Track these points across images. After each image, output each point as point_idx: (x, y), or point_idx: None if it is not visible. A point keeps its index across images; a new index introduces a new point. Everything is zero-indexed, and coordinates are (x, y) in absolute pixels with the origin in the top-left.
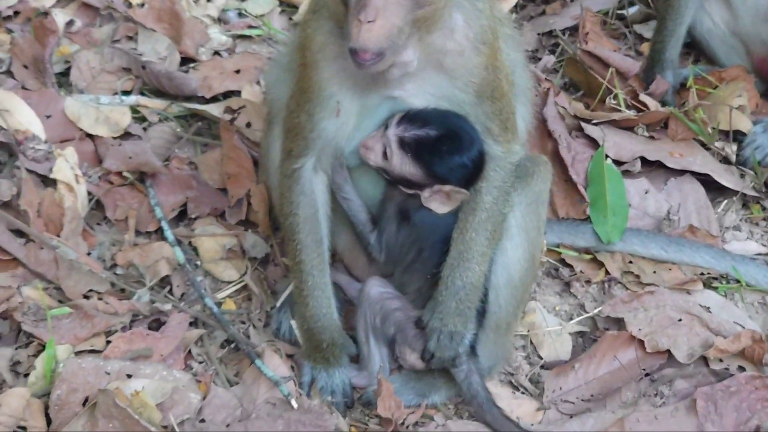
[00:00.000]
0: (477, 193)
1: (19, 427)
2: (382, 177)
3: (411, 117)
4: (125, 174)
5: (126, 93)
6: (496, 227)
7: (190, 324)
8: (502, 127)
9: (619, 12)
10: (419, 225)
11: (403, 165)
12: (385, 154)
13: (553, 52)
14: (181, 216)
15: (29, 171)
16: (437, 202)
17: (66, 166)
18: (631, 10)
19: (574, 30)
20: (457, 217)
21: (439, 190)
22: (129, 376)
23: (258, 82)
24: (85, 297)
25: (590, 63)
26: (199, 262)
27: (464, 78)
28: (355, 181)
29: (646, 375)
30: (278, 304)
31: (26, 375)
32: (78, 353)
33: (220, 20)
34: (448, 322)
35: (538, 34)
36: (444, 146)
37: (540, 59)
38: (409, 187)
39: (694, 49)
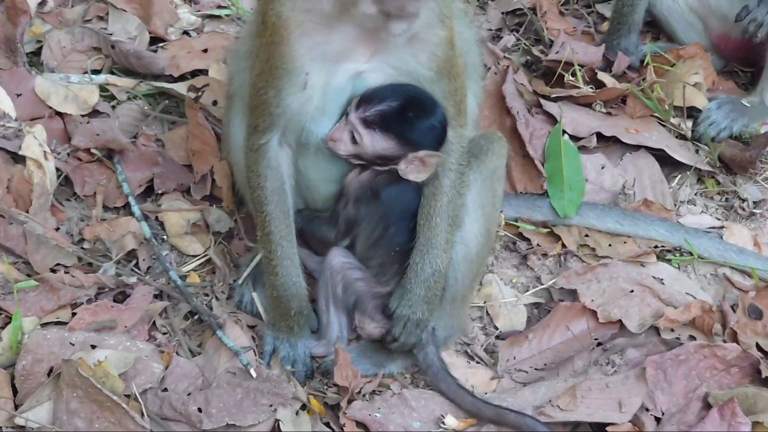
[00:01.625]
0: (434, 178)
1: None
2: (353, 163)
3: (368, 97)
4: (93, 151)
5: (96, 72)
6: (457, 210)
7: (155, 296)
8: (456, 110)
9: None
10: (386, 201)
11: (374, 143)
12: (353, 140)
13: (516, 31)
14: (148, 192)
15: None
16: (414, 171)
17: (35, 143)
18: None
19: (533, 10)
20: (420, 193)
21: (415, 157)
22: (93, 347)
23: (225, 61)
24: (53, 271)
25: (554, 66)
26: (165, 237)
27: (428, 51)
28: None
29: (598, 344)
30: (242, 278)
31: None
32: (43, 325)
33: (190, 0)
34: (416, 310)
35: (502, 13)
36: (409, 113)
37: (501, 38)
38: (384, 164)
39: (654, 27)
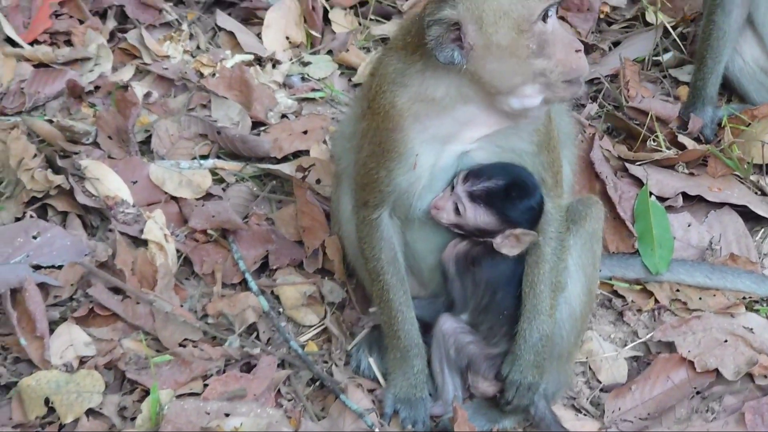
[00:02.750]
0: (536, 247)
1: None
2: (452, 232)
3: (476, 172)
4: (209, 232)
5: (204, 157)
6: (559, 275)
7: (278, 365)
8: (554, 180)
9: (655, 58)
10: (487, 268)
11: (477, 216)
12: (456, 210)
13: (594, 99)
14: (263, 267)
15: (121, 233)
16: (508, 246)
17: (155, 227)
18: (666, 56)
19: (614, 77)
20: (520, 257)
21: (511, 234)
22: (227, 415)
23: (324, 141)
24: (181, 345)
25: (633, 115)
26: (281, 309)
27: (531, 128)
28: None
29: (697, 393)
30: (356, 343)
31: (132, 419)
32: (179, 396)
33: (285, 85)
34: (527, 374)
35: None
36: (513, 193)
37: (584, 106)
38: (481, 236)
39: (727, 89)
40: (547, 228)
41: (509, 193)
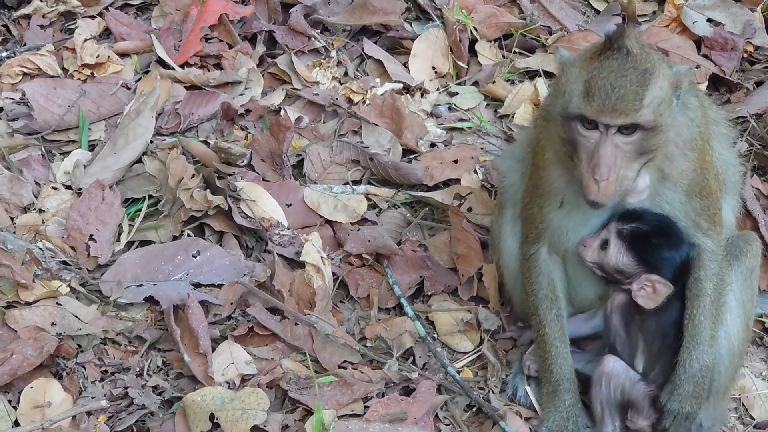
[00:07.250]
0: (697, 281)
1: None
2: (594, 273)
3: (629, 214)
4: (365, 256)
5: (356, 182)
6: (719, 310)
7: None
8: (710, 222)
9: None
10: (656, 313)
11: (618, 254)
12: (602, 247)
13: (741, 137)
14: (417, 293)
15: (278, 255)
16: (644, 296)
17: (313, 249)
18: None
19: (759, 116)
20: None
21: (647, 279)
22: None
23: (475, 171)
24: (341, 367)
25: None
26: (435, 335)
27: (673, 179)
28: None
29: None
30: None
31: None
32: (340, 417)
33: (432, 114)
34: (685, 404)
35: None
36: (654, 239)
37: (734, 144)
38: (620, 280)
39: None
40: (708, 264)
41: (651, 237)
